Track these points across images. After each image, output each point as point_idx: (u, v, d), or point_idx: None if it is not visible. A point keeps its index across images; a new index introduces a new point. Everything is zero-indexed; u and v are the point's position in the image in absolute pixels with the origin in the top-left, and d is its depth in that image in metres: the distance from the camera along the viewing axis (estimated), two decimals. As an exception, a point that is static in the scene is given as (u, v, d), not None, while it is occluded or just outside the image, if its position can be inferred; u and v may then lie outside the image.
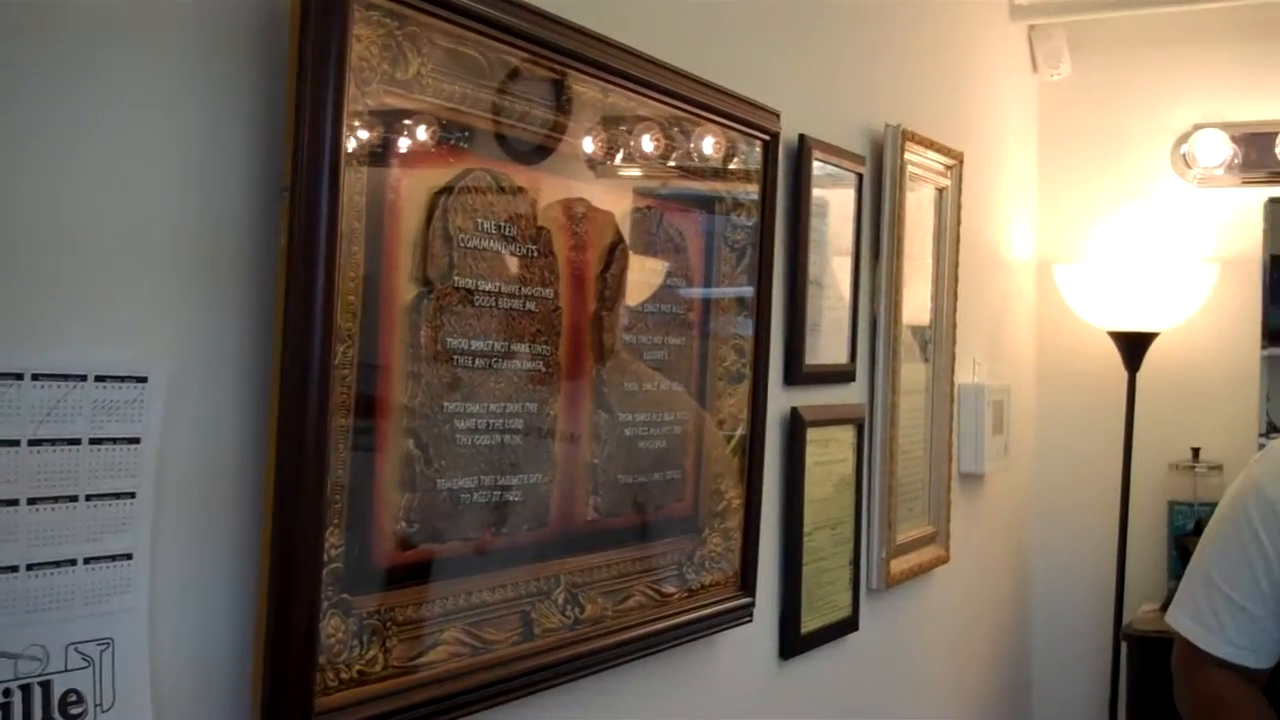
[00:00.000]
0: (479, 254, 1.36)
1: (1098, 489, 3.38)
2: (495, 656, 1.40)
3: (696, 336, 1.78)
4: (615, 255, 1.58)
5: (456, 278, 1.33)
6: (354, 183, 1.20)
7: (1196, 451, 3.28)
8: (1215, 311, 3.30)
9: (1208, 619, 2.15)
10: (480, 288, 1.36)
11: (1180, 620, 2.20)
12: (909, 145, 2.47)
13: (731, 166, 1.84)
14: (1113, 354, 3.27)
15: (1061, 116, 3.52)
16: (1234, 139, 3.33)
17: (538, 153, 1.46)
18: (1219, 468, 3.22)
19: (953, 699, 2.96)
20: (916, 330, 2.62)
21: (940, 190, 2.70)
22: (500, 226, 1.39)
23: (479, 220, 1.36)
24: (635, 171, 1.65)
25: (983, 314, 3.07)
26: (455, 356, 1.33)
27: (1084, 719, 3.42)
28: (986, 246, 3.11)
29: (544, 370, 1.46)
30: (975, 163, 2.90)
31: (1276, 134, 3.28)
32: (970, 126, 2.96)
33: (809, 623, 2.16)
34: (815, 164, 2.14)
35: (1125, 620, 3.24)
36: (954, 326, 2.73)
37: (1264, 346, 3.31)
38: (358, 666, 1.23)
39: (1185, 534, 3.20)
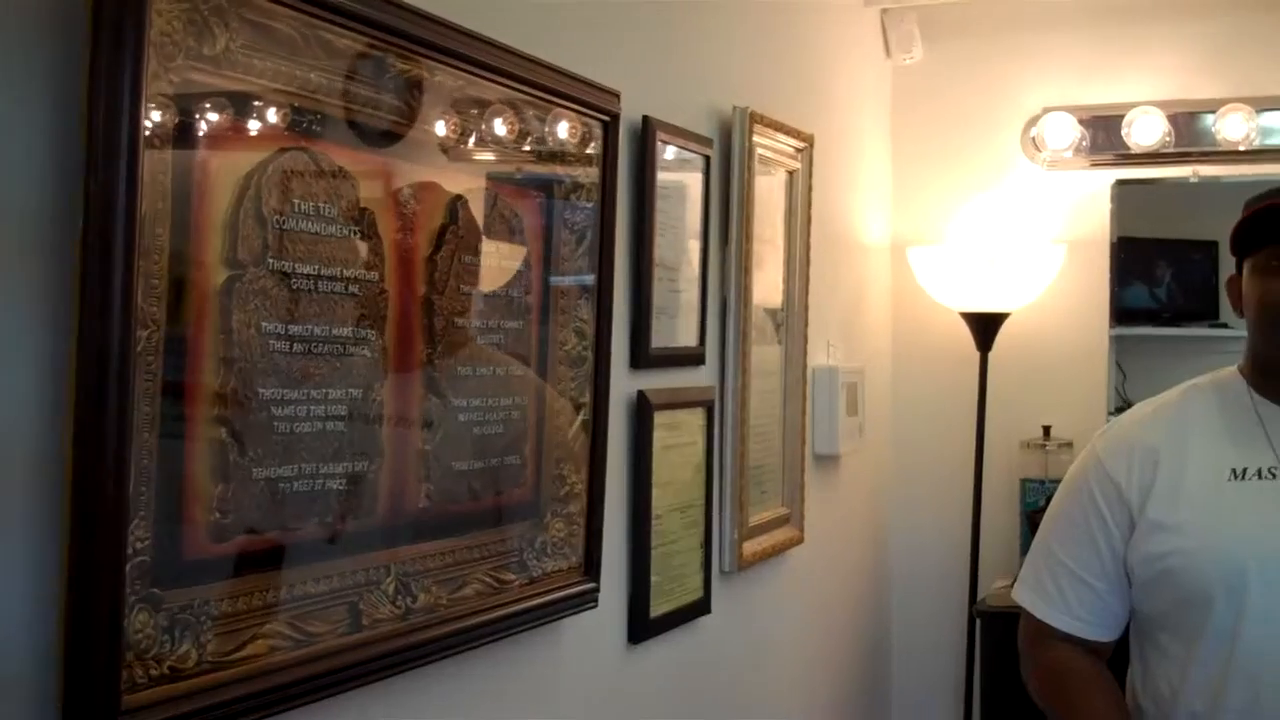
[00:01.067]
0: (296, 236, 1.32)
1: (952, 468, 3.42)
2: (320, 649, 1.37)
3: (535, 320, 1.76)
4: (445, 238, 1.55)
5: (272, 260, 1.30)
6: (157, 162, 1.15)
7: (1047, 429, 3.34)
8: (1065, 292, 3.36)
9: (1051, 593, 2.17)
10: (298, 270, 1.33)
11: (1025, 595, 2.23)
12: (758, 128, 2.47)
13: (570, 148, 1.82)
14: (965, 335, 3.32)
15: (915, 101, 3.55)
16: (1082, 122, 3.38)
17: (361, 132, 1.43)
18: (1069, 445, 3.28)
19: (811, 677, 2.98)
20: (768, 313, 2.63)
21: (791, 173, 2.71)
22: (319, 208, 1.35)
23: (296, 202, 1.32)
24: (467, 153, 1.62)
25: (837, 297, 3.08)
26: (272, 341, 1.30)
27: (941, 694, 3.46)
28: (840, 229, 3.13)
29: (370, 355, 1.43)
30: (827, 146, 2.91)
31: (1123, 117, 3.33)
32: (822, 110, 2.97)
33: (659, 606, 2.15)
34: (661, 146, 2.13)
35: (979, 596, 3.29)
36: (806, 309, 2.74)
37: (1112, 326, 3.38)
38: (169, 662, 1.19)
39: (1036, 510, 3.25)
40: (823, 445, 2.92)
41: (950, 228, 3.46)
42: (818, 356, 2.92)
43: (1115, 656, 2.19)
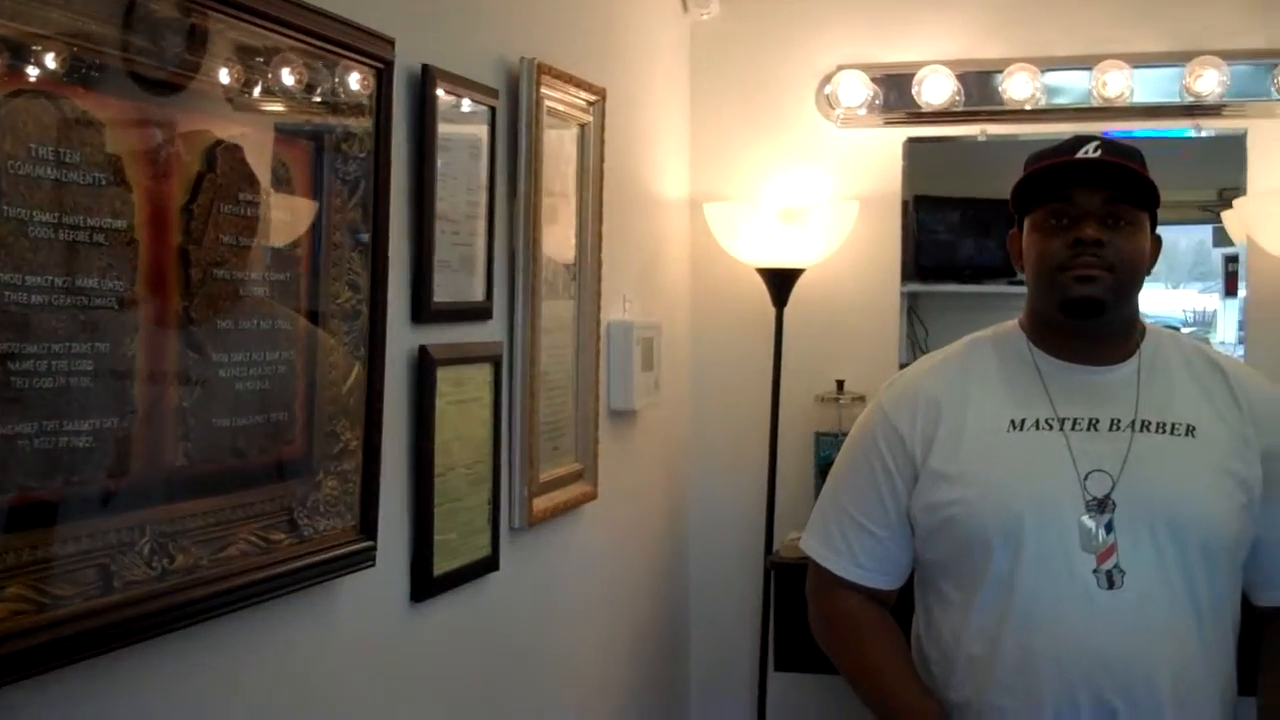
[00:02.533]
0: (33, 183, 1.26)
1: (749, 422, 3.46)
2: (67, 612, 1.31)
3: (305, 272, 1.71)
4: (202, 186, 1.50)
5: (6, 207, 1.23)
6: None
7: (841, 384, 3.39)
8: (858, 248, 3.41)
9: (838, 543, 2.21)
10: (36, 219, 1.26)
11: (812, 546, 2.26)
12: (546, 80, 2.44)
13: (342, 97, 1.78)
14: (762, 290, 3.34)
15: (712, 57, 3.55)
16: (875, 80, 3.43)
17: (110, 75, 1.36)
18: (862, 399, 3.33)
19: (608, 630, 2.99)
20: (561, 267, 2.61)
21: (583, 127, 2.69)
22: (60, 154, 1.29)
23: (32, 146, 1.26)
24: (228, 101, 1.56)
25: (633, 252, 3.08)
26: (5, 293, 1.23)
27: (738, 644, 3.51)
28: (636, 184, 3.13)
29: (118, 308, 1.37)
30: (621, 100, 2.90)
31: (914, 75, 3.39)
32: (615, 63, 2.95)
33: (444, 564, 2.12)
34: (442, 96, 2.09)
35: (775, 548, 3.33)
36: (599, 264, 2.73)
37: (904, 282, 3.45)
38: (-107, 630, 1.13)
39: (829, 463, 3.29)
40: (618, 400, 2.92)
41: (746, 183, 3.48)
42: (613, 311, 2.91)
43: (900, 604, 2.24)
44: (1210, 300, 3.39)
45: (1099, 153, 2.08)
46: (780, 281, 3.32)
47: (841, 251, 3.37)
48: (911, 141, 3.45)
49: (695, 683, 3.59)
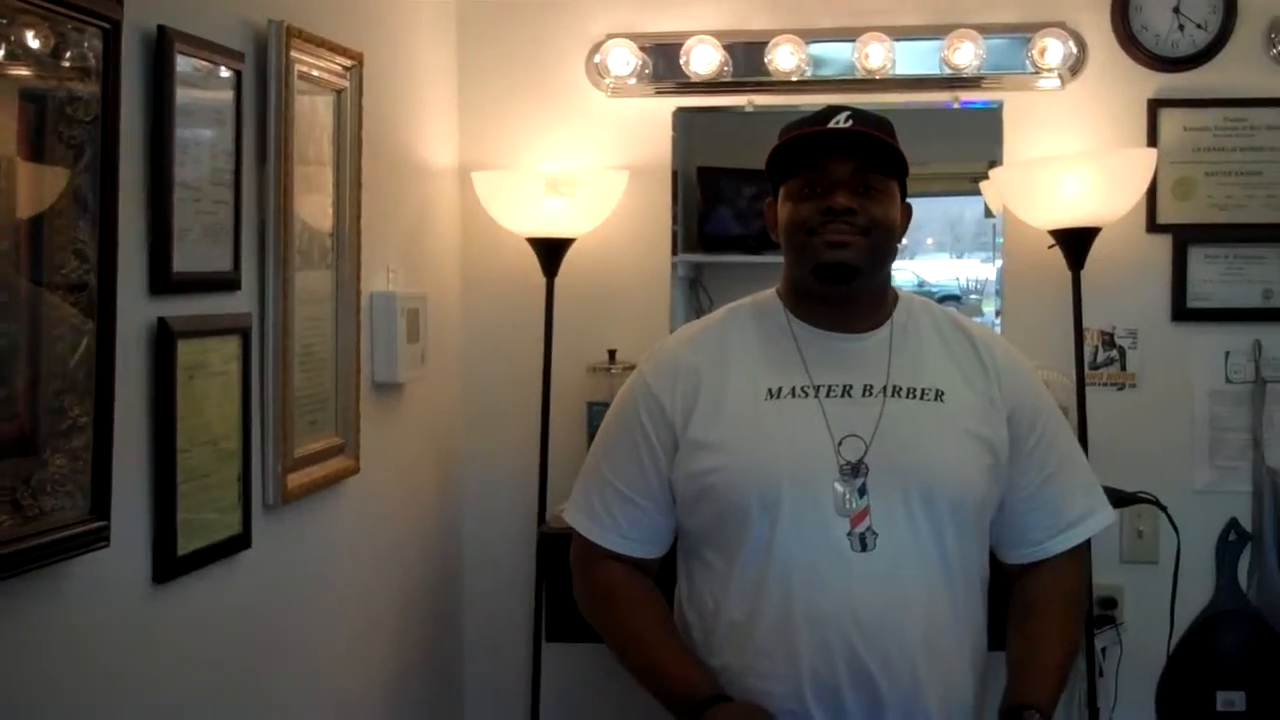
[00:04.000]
0: None
1: (521, 393, 3.43)
2: None
3: (24, 241, 1.62)
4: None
5: None
6: None
7: (613, 354, 3.39)
8: (629, 218, 3.41)
9: (600, 514, 2.21)
10: None
11: (574, 516, 2.26)
12: (297, 44, 2.37)
13: (65, 59, 1.69)
14: (532, 260, 3.32)
15: (480, 23, 3.51)
16: (643, 49, 3.43)
17: None
18: (634, 369, 3.32)
19: (376, 605, 2.95)
20: (316, 237, 2.55)
21: (339, 93, 2.62)
22: None
23: None
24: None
25: (397, 221, 3.03)
26: None
27: (513, 616, 3.49)
28: (400, 153, 3.07)
29: None
30: (382, 66, 2.84)
31: (682, 45, 3.39)
32: (375, 29, 2.88)
33: (189, 543, 2.05)
34: (182, 60, 2.01)
35: (547, 519, 3.32)
36: (359, 234, 2.67)
37: (687, 253, 3.46)
38: None
39: (601, 433, 3.31)
40: (382, 373, 2.87)
41: (517, 153, 3.45)
42: (376, 282, 2.85)
43: (664, 571, 2.25)
44: (990, 270, 3.48)
45: (850, 123, 2.11)
46: (550, 251, 3.30)
47: (612, 221, 3.36)
48: (681, 111, 3.46)
49: (469, 657, 3.57)
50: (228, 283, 2.20)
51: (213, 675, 2.19)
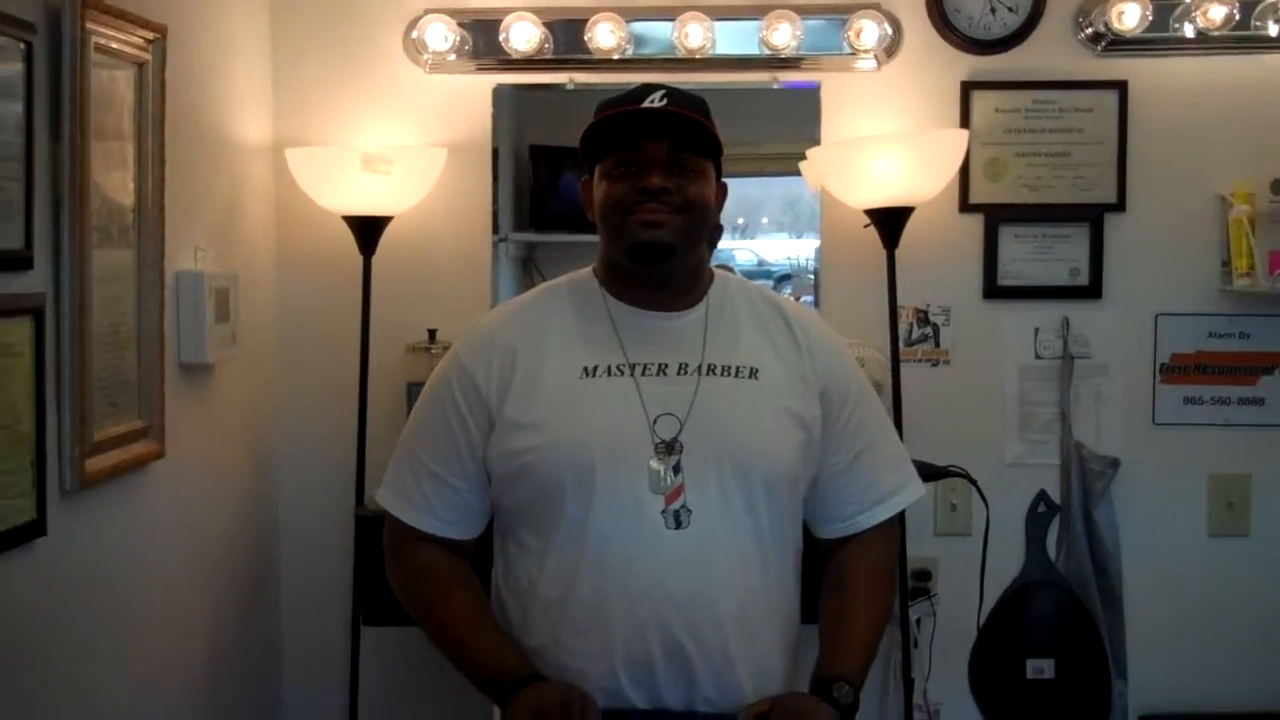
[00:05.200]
0: None
1: (339, 374, 3.37)
2: None
3: None
4: None
5: None
6: None
7: (433, 333, 3.35)
8: (448, 196, 3.38)
9: (414, 495, 2.19)
10: None
11: (387, 498, 2.24)
12: (93, 15, 2.28)
13: None
14: (349, 238, 3.26)
15: (295, -3, 3.43)
16: (463, 25, 3.38)
17: None
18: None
19: (189, 591, 2.89)
20: (117, 214, 2.46)
21: (141, 66, 2.53)
22: None
23: None
24: None
25: (207, 198, 2.95)
26: None
27: (332, 600, 3.44)
28: (210, 128, 2.99)
29: None
30: (188, 40, 2.76)
31: (500, 22, 3.36)
32: (180, 1, 2.79)
33: (-23, 533, 1.98)
34: (-35, 29, 1.92)
35: (366, 501, 3.27)
36: (162, 211, 2.59)
37: (495, 231, 3.43)
38: None
39: (422, 414, 3.27)
40: (190, 354, 2.79)
41: (334, 129, 3.38)
42: (184, 260, 2.77)
43: (481, 552, 2.23)
44: (827, 249, 3.51)
45: (664, 102, 2.11)
46: (366, 229, 3.25)
47: (431, 199, 3.32)
48: (501, 89, 3.43)
49: (288, 643, 3.51)
50: (20, 261, 2.11)
51: (8, 667, 2.11)
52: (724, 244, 3.61)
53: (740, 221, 3.62)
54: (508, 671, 2.08)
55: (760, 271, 3.67)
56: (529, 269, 3.54)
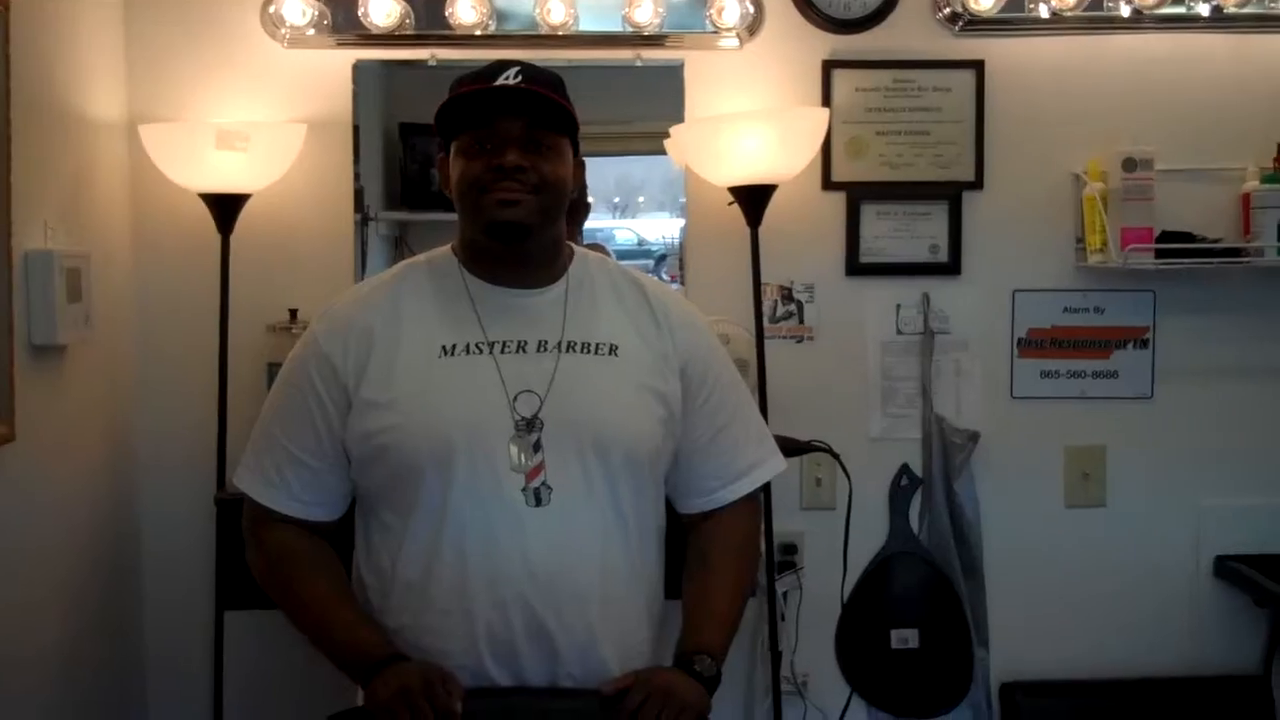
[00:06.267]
0: None
1: (198, 355, 3.31)
2: None
3: None
4: None
5: None
6: None
7: (294, 313, 3.30)
8: (308, 173, 3.33)
9: (272, 477, 2.18)
10: None
11: (246, 480, 2.22)
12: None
13: None
14: (207, 216, 3.20)
15: (148, -31, 3.34)
16: (321, 0, 3.33)
17: None
18: (316, 328, 3.25)
19: (43, 577, 2.81)
20: (-41, 192, 2.39)
21: (-16, 39, 2.46)
22: None
23: None
24: None
25: (56, 175, 2.87)
26: None
27: (195, 585, 3.38)
28: (60, 104, 2.91)
29: None
30: (35, 12, 2.69)
31: (360, -3, 3.31)
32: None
33: None
34: None
35: (227, 484, 3.22)
36: (9, 188, 2.52)
37: (357, 209, 3.39)
38: None
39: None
40: (41, 335, 2.71)
41: (190, 105, 3.31)
42: (32, 239, 2.70)
43: (343, 534, 2.22)
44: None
45: (519, 79, 2.11)
46: (224, 207, 3.19)
47: (290, 177, 3.27)
48: (362, 64, 3.38)
49: (150, 629, 3.44)
50: None
51: None
52: (605, 223, 3.62)
53: (617, 200, 3.62)
54: (369, 652, 2.08)
55: (640, 251, 3.67)
56: (401, 248, 3.50)
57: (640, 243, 3.68)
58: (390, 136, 3.49)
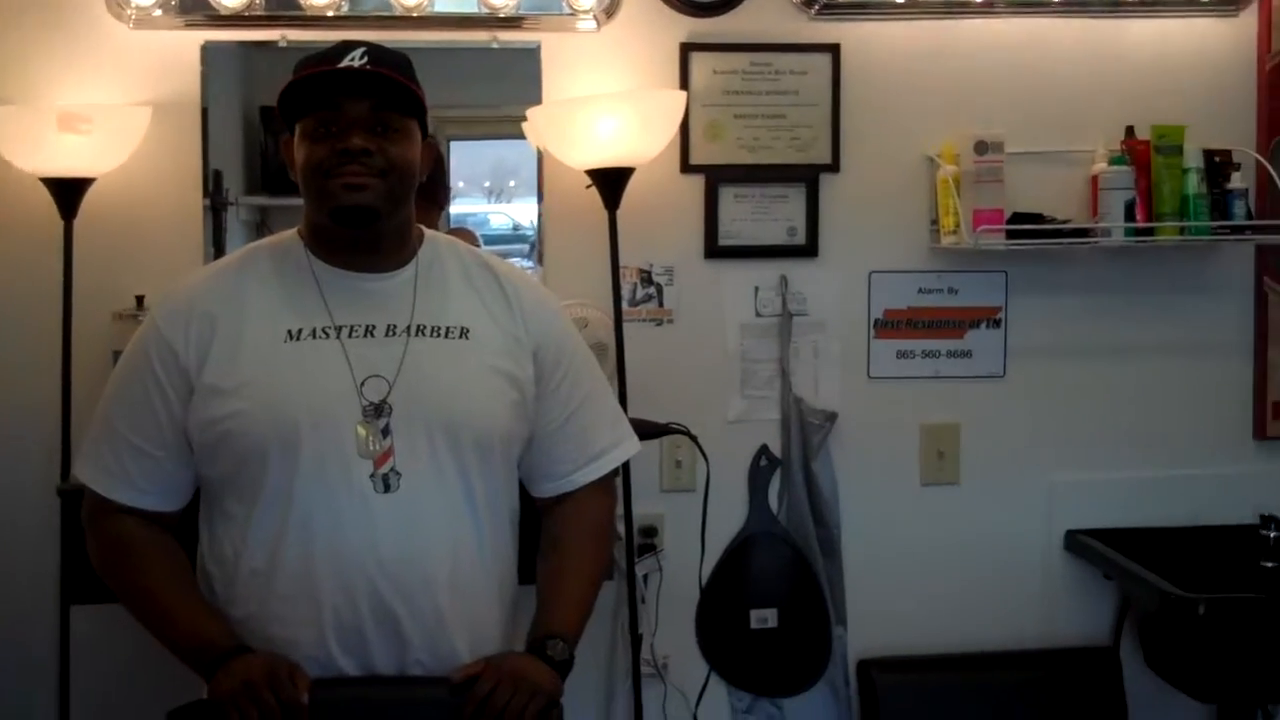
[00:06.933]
0: None
1: (41, 343, 3.20)
2: None
3: None
4: None
5: None
6: None
7: (141, 299, 3.22)
8: (155, 157, 3.24)
9: (112, 467, 2.14)
10: None
11: (85, 470, 2.18)
12: None
13: None
14: (48, 201, 3.11)
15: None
16: (171, -20, 3.25)
17: None
18: (163, 314, 3.18)
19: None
20: None
21: None
22: None
23: None
24: None
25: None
26: None
27: (38, 579, 3.27)
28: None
29: None
30: None
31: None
32: None
33: None
34: None
35: (71, 475, 3.13)
36: None
37: (206, 193, 3.31)
38: None
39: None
40: None
41: (29, 87, 3.21)
42: None
43: (187, 524, 2.18)
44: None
45: (365, 60, 2.09)
46: (66, 192, 3.10)
47: (136, 160, 3.18)
48: (212, 47, 3.30)
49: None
50: None
51: None
52: (478, 208, 3.59)
53: (488, 185, 3.59)
54: (212, 643, 2.05)
55: (515, 235, 3.64)
56: (262, 233, 3.41)
57: (515, 228, 3.65)
58: (251, 120, 3.42)
